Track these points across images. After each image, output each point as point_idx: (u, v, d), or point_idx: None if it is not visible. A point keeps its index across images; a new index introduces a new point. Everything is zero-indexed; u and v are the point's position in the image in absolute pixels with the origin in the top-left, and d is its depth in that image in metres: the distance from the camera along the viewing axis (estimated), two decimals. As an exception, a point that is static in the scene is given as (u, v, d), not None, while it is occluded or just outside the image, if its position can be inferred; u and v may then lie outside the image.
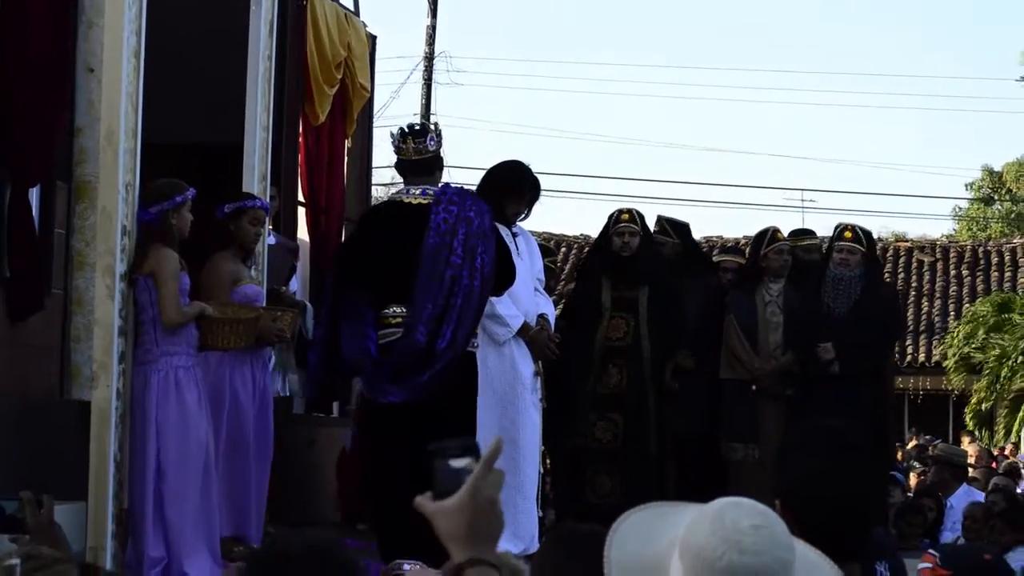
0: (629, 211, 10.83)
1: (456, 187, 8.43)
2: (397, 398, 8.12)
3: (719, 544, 2.65)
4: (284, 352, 9.78)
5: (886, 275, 32.70)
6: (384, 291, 8.20)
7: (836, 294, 10.43)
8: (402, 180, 8.64)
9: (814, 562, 2.83)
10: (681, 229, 11.26)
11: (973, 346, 26.93)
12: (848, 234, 10.51)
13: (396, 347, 8.09)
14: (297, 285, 10.79)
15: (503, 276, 8.36)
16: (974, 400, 27.11)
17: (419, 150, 8.36)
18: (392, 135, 8.52)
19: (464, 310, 8.08)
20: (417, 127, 8.57)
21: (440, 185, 8.37)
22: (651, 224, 10.99)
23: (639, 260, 10.63)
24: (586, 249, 29.40)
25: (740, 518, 2.68)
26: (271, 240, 10.05)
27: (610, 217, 10.82)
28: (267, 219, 9.06)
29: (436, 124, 8.64)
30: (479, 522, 2.72)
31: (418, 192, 8.34)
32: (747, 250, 11.73)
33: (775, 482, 3.57)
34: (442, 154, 8.47)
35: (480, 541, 2.72)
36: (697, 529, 2.69)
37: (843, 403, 9.85)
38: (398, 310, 8.17)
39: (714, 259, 12.21)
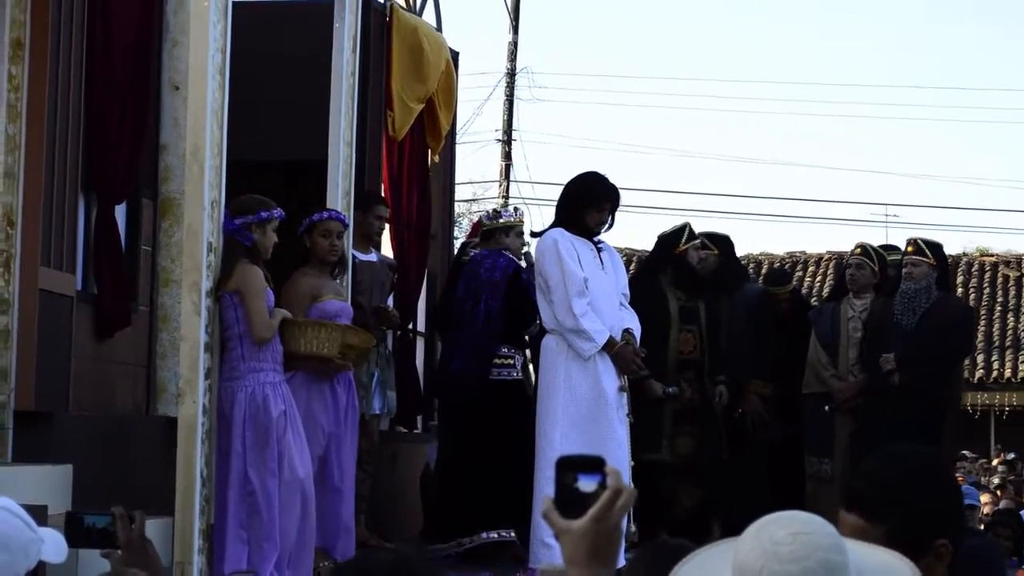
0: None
1: (486, 251, 10.48)
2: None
3: (758, 557, 2.67)
4: (387, 370, 10.25)
5: (971, 290, 32.50)
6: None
7: (903, 307, 10.52)
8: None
9: (888, 563, 2.80)
10: (721, 241, 11.32)
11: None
12: (910, 248, 10.63)
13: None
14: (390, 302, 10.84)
15: (518, 319, 10.30)
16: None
17: (482, 224, 10.82)
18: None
19: (468, 341, 10.21)
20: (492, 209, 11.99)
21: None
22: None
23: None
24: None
25: (777, 530, 2.70)
26: (372, 257, 10.10)
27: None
28: (345, 231, 8.95)
29: (494, 209, 11.39)
30: (600, 548, 2.71)
31: (470, 253, 10.67)
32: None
33: (846, 493, 3.53)
34: (495, 227, 10.54)
35: (598, 566, 2.71)
36: (741, 547, 2.72)
37: (906, 416, 9.82)
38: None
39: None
